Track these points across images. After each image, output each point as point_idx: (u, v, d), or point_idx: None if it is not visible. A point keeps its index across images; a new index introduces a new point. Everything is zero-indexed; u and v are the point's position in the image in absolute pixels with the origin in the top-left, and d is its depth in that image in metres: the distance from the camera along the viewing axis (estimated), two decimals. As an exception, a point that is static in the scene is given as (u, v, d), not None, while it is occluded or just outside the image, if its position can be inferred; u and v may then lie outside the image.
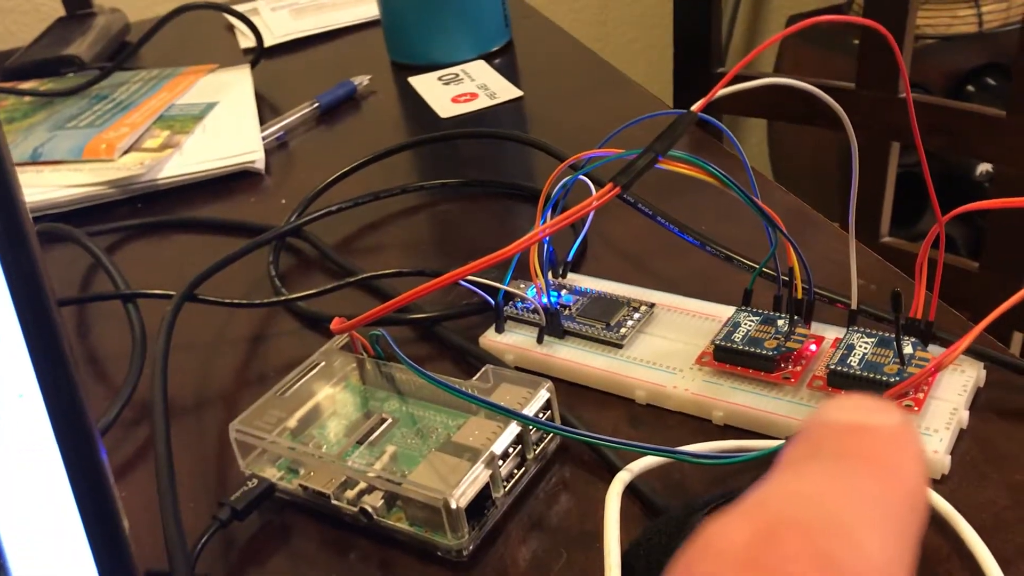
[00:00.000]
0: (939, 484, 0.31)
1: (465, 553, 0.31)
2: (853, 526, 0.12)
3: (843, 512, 0.12)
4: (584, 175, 0.39)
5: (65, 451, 0.21)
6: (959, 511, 0.30)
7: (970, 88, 1.21)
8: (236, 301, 0.44)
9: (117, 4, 0.93)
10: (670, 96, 0.93)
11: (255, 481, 0.34)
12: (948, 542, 0.29)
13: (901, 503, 0.13)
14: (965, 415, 0.33)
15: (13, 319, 0.20)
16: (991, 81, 1.18)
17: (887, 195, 0.72)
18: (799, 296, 0.36)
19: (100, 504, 0.21)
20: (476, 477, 0.31)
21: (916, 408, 0.32)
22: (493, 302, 0.40)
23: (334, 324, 0.36)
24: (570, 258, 0.43)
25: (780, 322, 0.36)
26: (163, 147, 0.62)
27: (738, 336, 0.36)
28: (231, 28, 0.89)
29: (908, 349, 0.34)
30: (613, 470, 0.32)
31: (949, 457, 0.32)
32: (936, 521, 0.30)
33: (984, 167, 1.15)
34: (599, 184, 0.37)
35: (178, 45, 0.86)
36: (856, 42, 0.74)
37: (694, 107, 0.32)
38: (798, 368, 0.35)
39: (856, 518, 0.12)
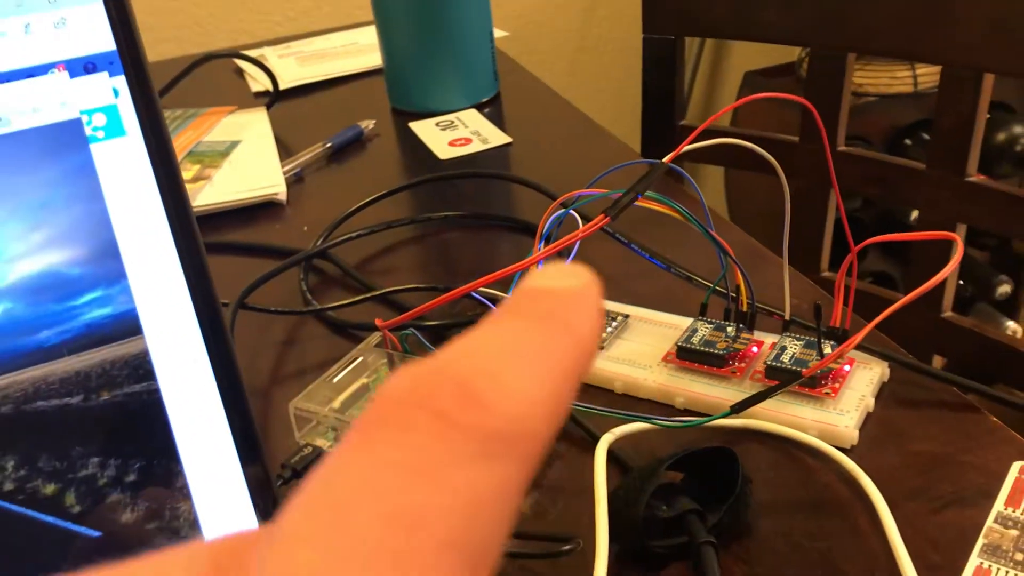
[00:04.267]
0: (849, 452, 0.40)
1: (482, 501, 0.39)
2: (502, 369, 0.14)
3: (497, 358, 0.14)
4: (572, 211, 0.48)
5: (223, 392, 0.29)
6: (863, 470, 0.39)
7: (907, 142, 1.33)
8: (280, 309, 0.53)
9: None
10: (636, 142, 1.03)
11: (310, 448, 0.42)
12: (853, 492, 0.38)
13: (564, 351, 0.15)
14: (871, 401, 0.42)
15: (187, 298, 0.29)
16: (926, 136, 1.30)
17: (826, 236, 0.83)
18: (744, 308, 0.45)
19: (247, 428, 0.29)
20: (492, 441, 0.39)
21: (833, 395, 0.42)
22: (498, 311, 0.48)
23: (377, 322, 0.45)
24: (559, 278, 0.52)
25: (729, 329, 0.46)
26: (196, 179, 0.70)
27: (696, 339, 0.45)
28: (241, 72, 0.98)
29: (828, 349, 0.43)
30: (596, 441, 0.41)
31: (857, 431, 0.41)
32: (845, 478, 0.39)
33: (916, 213, 1.26)
34: (585, 218, 0.46)
35: (191, 88, 0.95)
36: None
37: (665, 159, 0.41)
38: (743, 364, 0.44)
39: (508, 363, 0.14)
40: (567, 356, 0.15)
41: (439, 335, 0.51)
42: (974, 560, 0.35)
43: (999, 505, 0.37)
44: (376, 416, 0.14)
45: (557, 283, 0.16)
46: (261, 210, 0.70)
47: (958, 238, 0.39)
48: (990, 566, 0.34)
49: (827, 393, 0.42)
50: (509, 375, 0.14)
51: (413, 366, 0.14)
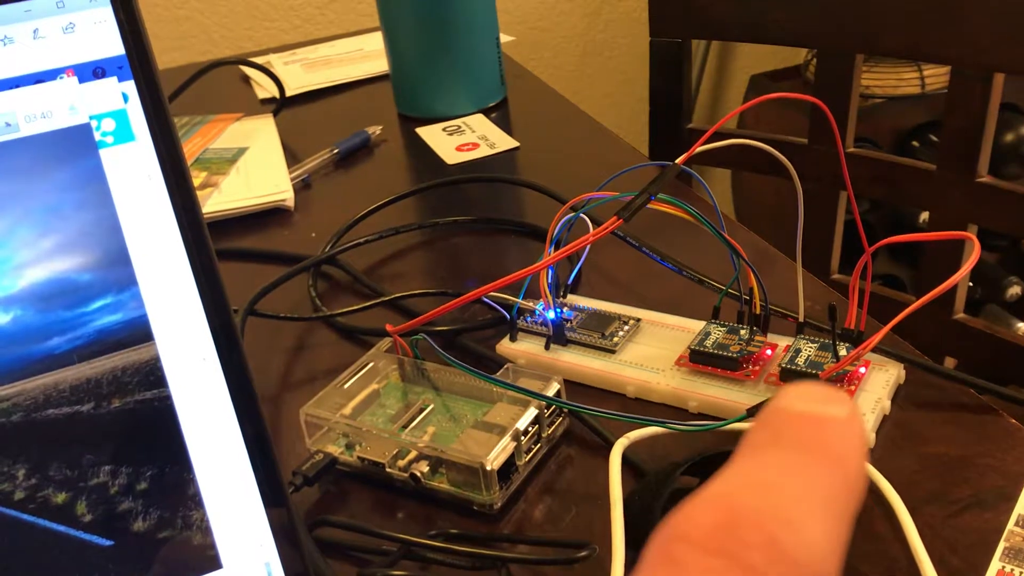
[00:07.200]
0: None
1: (496, 507, 0.39)
2: (801, 516, 0.14)
3: (793, 502, 0.14)
4: (582, 214, 0.48)
5: (235, 398, 0.29)
6: (880, 473, 0.38)
7: (915, 143, 1.32)
8: (289, 315, 0.52)
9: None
10: (644, 146, 1.03)
11: (321, 455, 0.42)
12: (871, 496, 0.38)
13: (843, 490, 0.15)
14: (887, 404, 0.42)
15: (198, 304, 0.29)
16: (933, 137, 1.30)
17: (836, 237, 0.82)
18: (757, 311, 0.45)
19: (259, 435, 0.29)
20: (504, 446, 0.39)
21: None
22: (509, 316, 0.48)
23: (388, 328, 0.44)
24: (570, 282, 0.52)
25: (742, 332, 0.45)
26: (203, 186, 0.70)
27: (709, 343, 0.45)
28: (247, 80, 0.98)
29: (843, 351, 0.42)
30: (610, 446, 0.40)
31: (874, 435, 0.40)
32: (862, 481, 0.39)
33: (926, 215, 1.26)
34: (596, 222, 0.46)
35: (197, 95, 0.94)
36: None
37: (677, 160, 0.41)
38: (757, 367, 0.44)
39: (803, 508, 0.14)
40: (846, 496, 0.15)
41: (450, 340, 0.51)
42: (996, 564, 0.34)
43: (1020, 507, 0.36)
44: (671, 557, 0.13)
45: (822, 410, 0.15)
46: (269, 217, 0.69)
47: (974, 237, 0.39)
48: (1012, 569, 0.34)
49: (843, 395, 0.41)
50: (806, 522, 0.14)
51: (698, 500, 0.14)
